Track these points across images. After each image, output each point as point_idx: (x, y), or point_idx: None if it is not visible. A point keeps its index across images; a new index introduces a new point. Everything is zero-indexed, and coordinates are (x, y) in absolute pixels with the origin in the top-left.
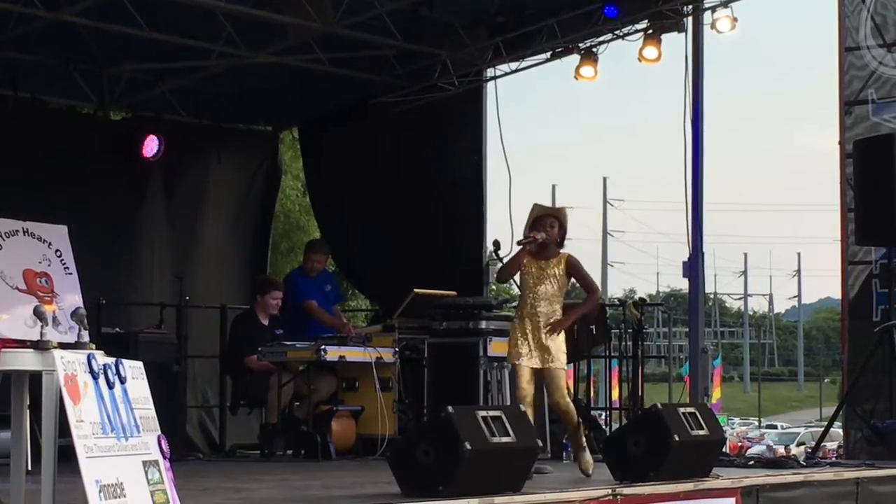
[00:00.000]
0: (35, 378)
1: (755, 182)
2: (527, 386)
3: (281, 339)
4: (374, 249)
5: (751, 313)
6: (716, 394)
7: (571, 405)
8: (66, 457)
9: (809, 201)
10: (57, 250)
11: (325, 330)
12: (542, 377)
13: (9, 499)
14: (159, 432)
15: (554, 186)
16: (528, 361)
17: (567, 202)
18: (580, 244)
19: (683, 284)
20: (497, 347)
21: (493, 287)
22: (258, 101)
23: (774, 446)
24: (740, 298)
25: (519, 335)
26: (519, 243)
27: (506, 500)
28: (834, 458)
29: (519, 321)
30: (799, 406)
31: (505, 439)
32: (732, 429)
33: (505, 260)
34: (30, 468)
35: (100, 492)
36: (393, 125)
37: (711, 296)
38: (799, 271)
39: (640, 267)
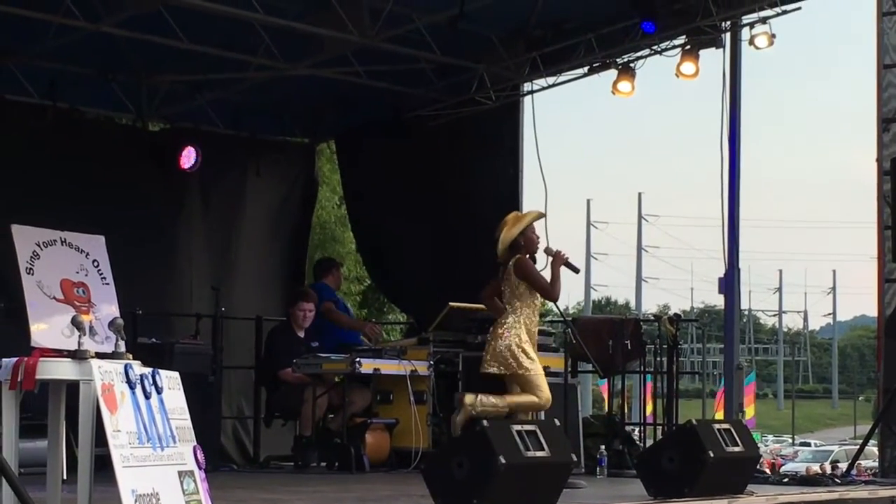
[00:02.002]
0: (72, 387)
1: (791, 198)
2: None
3: (317, 351)
4: (409, 262)
5: (785, 330)
6: (749, 410)
7: None
8: (102, 466)
9: (845, 218)
10: (94, 260)
11: (344, 335)
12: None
13: None
14: (195, 443)
15: (589, 201)
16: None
17: (602, 217)
18: (615, 259)
19: (717, 300)
20: None
21: None
22: (295, 112)
23: (808, 464)
24: (775, 315)
25: (529, 348)
26: (563, 261)
27: None
28: (869, 477)
29: (526, 334)
30: (833, 424)
31: (539, 454)
32: (766, 446)
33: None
34: (65, 477)
35: (135, 501)
36: (429, 138)
37: (746, 312)
38: (834, 288)
39: (675, 282)
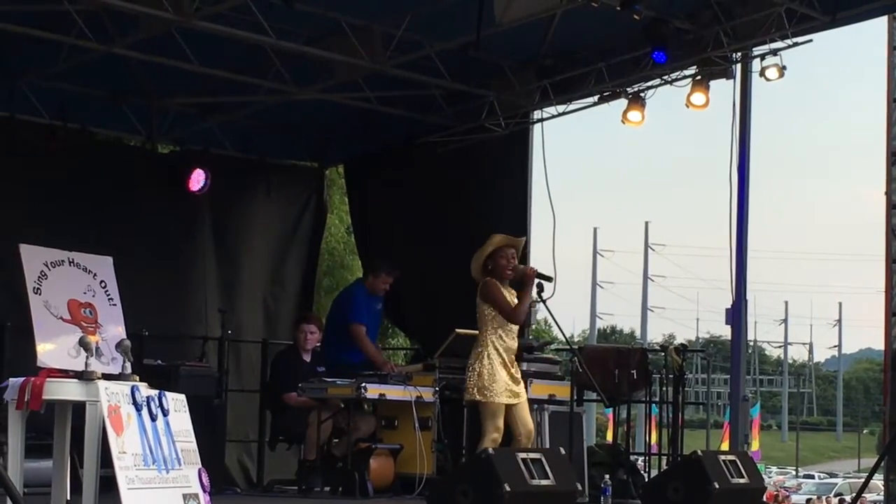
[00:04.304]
0: (78, 408)
1: (798, 230)
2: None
3: (322, 376)
4: (416, 288)
5: (790, 362)
6: (755, 443)
7: None
8: (107, 487)
9: (853, 251)
10: (102, 281)
11: (353, 356)
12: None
13: None
14: (200, 466)
15: (595, 230)
16: (511, 399)
17: (609, 246)
18: (621, 288)
19: (723, 331)
20: (537, 389)
21: (535, 329)
22: (304, 137)
23: (812, 496)
24: (780, 346)
25: (504, 371)
26: (534, 275)
27: None
28: None
29: (497, 356)
30: (837, 456)
31: (544, 482)
32: (770, 478)
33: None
34: (69, 498)
35: None
36: (439, 165)
37: (752, 343)
38: (840, 321)
39: (681, 312)
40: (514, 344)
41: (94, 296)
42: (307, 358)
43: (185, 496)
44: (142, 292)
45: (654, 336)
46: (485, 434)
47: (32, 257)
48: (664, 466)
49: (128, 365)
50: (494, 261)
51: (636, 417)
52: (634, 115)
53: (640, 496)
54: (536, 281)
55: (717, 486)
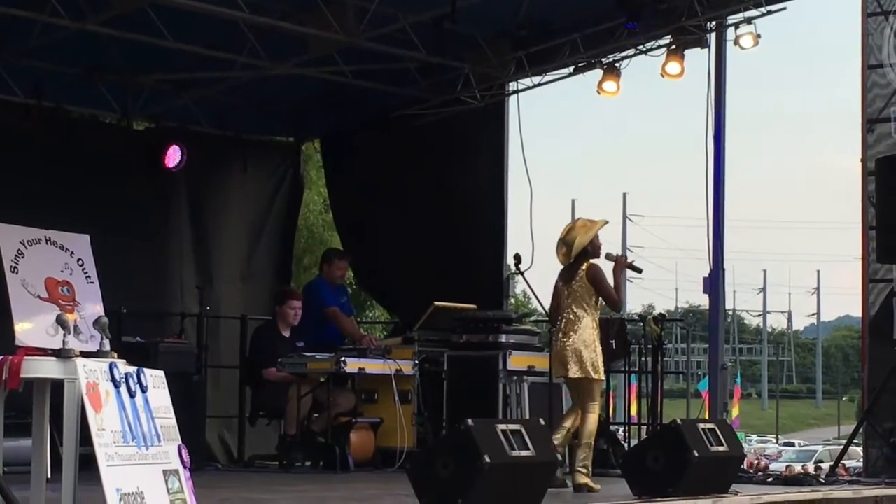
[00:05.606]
0: (56, 386)
1: (775, 198)
2: None
3: (301, 351)
4: (394, 262)
5: (769, 330)
6: (734, 411)
7: None
8: (87, 465)
9: (830, 219)
10: (79, 259)
11: (342, 337)
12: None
13: None
14: (180, 442)
15: (573, 201)
16: None
17: (587, 217)
18: (599, 259)
19: (702, 300)
20: (517, 361)
21: (513, 301)
22: (281, 112)
23: (791, 464)
24: (759, 315)
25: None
26: (626, 265)
27: None
28: (853, 476)
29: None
30: (817, 424)
31: (524, 453)
32: (750, 446)
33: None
34: (49, 476)
35: (120, 500)
36: (415, 138)
37: (730, 312)
38: (818, 289)
39: (659, 283)
40: None
41: (71, 274)
42: (286, 333)
43: (165, 472)
44: (119, 270)
45: (634, 306)
46: (594, 402)
47: (9, 236)
48: (644, 436)
49: (106, 342)
50: (594, 244)
51: (616, 388)
52: (610, 85)
53: (620, 466)
54: (515, 261)
55: (696, 454)
